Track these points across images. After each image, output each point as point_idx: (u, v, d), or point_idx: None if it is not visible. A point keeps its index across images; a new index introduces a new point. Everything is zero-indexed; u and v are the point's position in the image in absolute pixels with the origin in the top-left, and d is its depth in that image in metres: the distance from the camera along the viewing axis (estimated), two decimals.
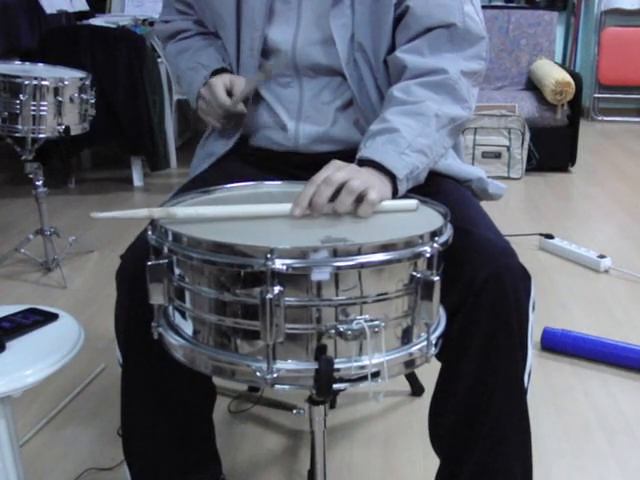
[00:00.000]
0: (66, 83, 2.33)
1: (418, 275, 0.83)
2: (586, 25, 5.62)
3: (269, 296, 0.77)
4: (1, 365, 1.05)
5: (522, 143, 3.80)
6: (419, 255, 0.83)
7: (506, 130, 3.80)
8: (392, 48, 1.17)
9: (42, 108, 2.30)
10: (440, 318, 0.93)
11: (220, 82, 1.24)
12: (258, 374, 0.81)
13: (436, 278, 0.82)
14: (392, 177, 1.02)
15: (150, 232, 0.88)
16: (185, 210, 0.93)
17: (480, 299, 0.99)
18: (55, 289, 2.43)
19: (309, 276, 0.78)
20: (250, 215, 0.94)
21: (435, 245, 0.84)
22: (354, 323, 0.80)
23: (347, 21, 1.16)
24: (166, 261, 0.86)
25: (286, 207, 0.94)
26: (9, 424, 1.12)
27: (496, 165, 3.83)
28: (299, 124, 1.24)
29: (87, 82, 2.42)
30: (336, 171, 0.96)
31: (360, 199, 0.94)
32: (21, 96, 2.25)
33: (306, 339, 0.81)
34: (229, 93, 1.24)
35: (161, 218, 0.89)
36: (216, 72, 1.28)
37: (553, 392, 1.80)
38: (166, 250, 0.85)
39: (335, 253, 0.78)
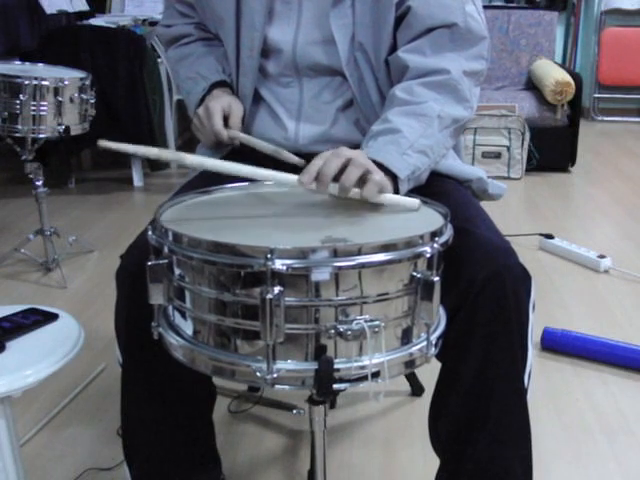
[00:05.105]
0: (66, 83, 2.32)
1: (418, 275, 0.83)
2: (586, 25, 5.62)
3: (269, 296, 0.77)
4: (1, 365, 1.05)
5: (522, 143, 3.80)
6: (419, 255, 0.83)
7: (506, 130, 3.79)
8: (393, 48, 1.17)
9: (42, 108, 2.29)
10: (440, 318, 0.93)
11: (219, 107, 1.23)
12: (258, 374, 0.81)
13: (436, 278, 0.82)
14: (394, 177, 1.03)
15: (150, 232, 0.88)
16: (194, 158, 0.94)
17: (480, 299, 0.99)
18: (55, 289, 2.43)
19: (309, 276, 0.78)
20: (257, 177, 0.97)
21: (435, 245, 0.84)
22: (354, 323, 0.80)
23: (348, 21, 1.16)
24: (166, 261, 0.86)
25: (294, 177, 0.97)
26: (9, 424, 1.12)
27: (496, 165, 3.83)
28: (299, 124, 1.24)
29: (87, 82, 2.42)
30: (344, 150, 0.98)
31: (364, 183, 0.96)
32: (21, 96, 2.25)
33: (306, 339, 0.81)
34: (226, 118, 1.24)
35: (169, 159, 0.92)
36: (215, 85, 1.28)
37: (553, 392, 1.80)
38: (166, 250, 0.85)
39: (335, 253, 0.78)
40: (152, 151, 0.91)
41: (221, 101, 1.24)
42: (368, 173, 0.96)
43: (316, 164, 0.95)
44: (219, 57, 1.32)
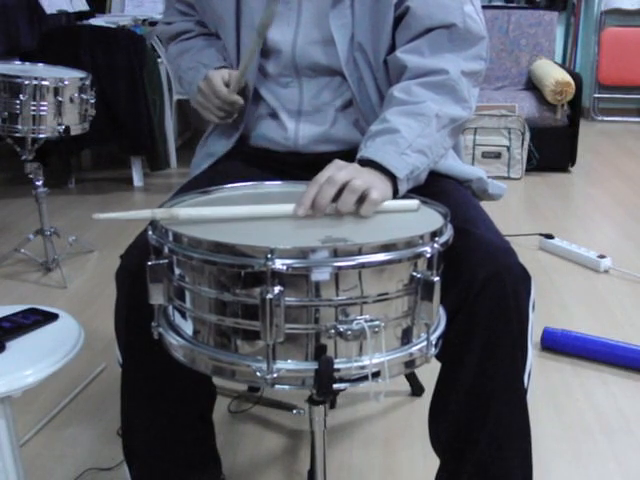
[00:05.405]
0: (66, 83, 2.32)
1: (418, 275, 0.83)
2: (586, 25, 5.62)
3: (269, 296, 0.77)
4: (1, 365, 1.05)
5: (522, 143, 3.80)
6: (419, 255, 0.83)
7: (506, 130, 3.80)
8: (392, 48, 1.17)
9: (42, 108, 2.29)
10: (440, 318, 0.93)
11: (218, 75, 1.24)
12: (258, 374, 0.81)
13: (436, 278, 0.82)
14: (392, 177, 1.03)
15: (150, 232, 0.88)
16: (187, 211, 0.93)
17: (480, 299, 0.99)
18: (55, 289, 2.43)
19: (309, 276, 0.78)
20: (252, 216, 0.94)
21: (435, 245, 0.84)
22: (354, 323, 0.80)
23: (347, 21, 1.16)
24: (166, 261, 0.86)
25: (288, 208, 0.94)
26: (9, 424, 1.12)
27: (496, 165, 3.83)
28: (299, 124, 1.24)
29: (87, 82, 2.42)
30: (338, 171, 0.96)
31: (362, 199, 0.95)
32: (21, 96, 2.25)
33: (306, 339, 0.81)
34: (227, 86, 1.24)
35: (163, 219, 0.89)
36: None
37: (553, 392, 1.80)
38: (166, 250, 0.85)
39: (335, 253, 0.78)
40: (145, 213, 0.90)
41: (220, 72, 1.25)
42: (365, 191, 0.95)
43: (310, 193, 0.94)
44: (220, 48, 1.32)
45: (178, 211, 0.91)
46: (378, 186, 0.97)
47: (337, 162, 0.99)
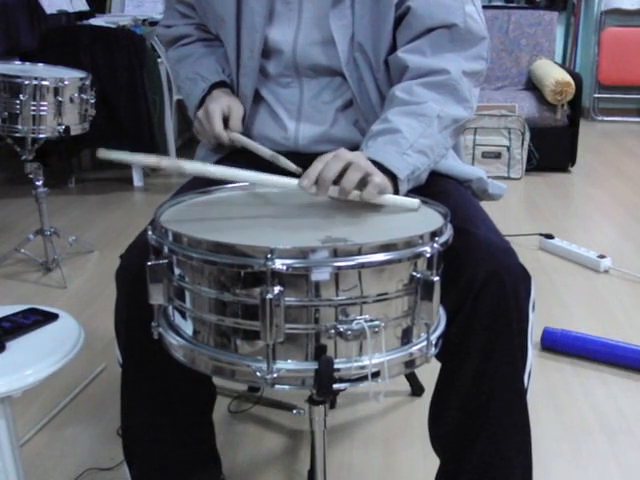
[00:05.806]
0: (66, 83, 2.33)
1: (418, 275, 0.83)
2: (586, 25, 5.62)
3: (269, 296, 0.77)
4: (1, 365, 1.05)
5: (522, 143, 3.80)
6: (419, 255, 0.83)
7: (506, 130, 3.79)
8: (392, 48, 1.17)
9: (42, 108, 2.30)
10: (440, 318, 0.93)
11: (218, 109, 1.23)
12: (258, 374, 0.81)
13: (436, 278, 0.82)
14: (393, 177, 1.03)
15: (150, 232, 0.88)
16: (193, 165, 0.94)
17: (480, 299, 0.99)
18: (55, 289, 2.43)
19: (309, 276, 0.78)
20: (257, 182, 0.98)
21: (435, 245, 0.84)
22: (354, 323, 0.80)
23: (347, 21, 1.16)
24: (166, 261, 0.86)
25: (294, 181, 0.96)
26: (9, 424, 1.12)
27: (496, 165, 3.83)
28: (299, 124, 1.24)
29: (87, 82, 2.42)
30: (344, 151, 0.98)
31: (365, 185, 0.96)
32: (21, 96, 2.25)
33: (306, 339, 0.81)
34: (226, 119, 1.24)
35: (168, 168, 0.91)
36: (214, 85, 1.28)
37: (553, 392, 1.80)
38: (166, 250, 0.85)
39: (335, 253, 0.78)
40: (151, 159, 0.91)
41: (220, 103, 1.24)
42: (368, 175, 0.96)
43: (316, 168, 0.95)
44: (219, 57, 1.32)
45: (184, 163, 0.92)
46: (380, 175, 0.98)
47: (342, 148, 1.00)
